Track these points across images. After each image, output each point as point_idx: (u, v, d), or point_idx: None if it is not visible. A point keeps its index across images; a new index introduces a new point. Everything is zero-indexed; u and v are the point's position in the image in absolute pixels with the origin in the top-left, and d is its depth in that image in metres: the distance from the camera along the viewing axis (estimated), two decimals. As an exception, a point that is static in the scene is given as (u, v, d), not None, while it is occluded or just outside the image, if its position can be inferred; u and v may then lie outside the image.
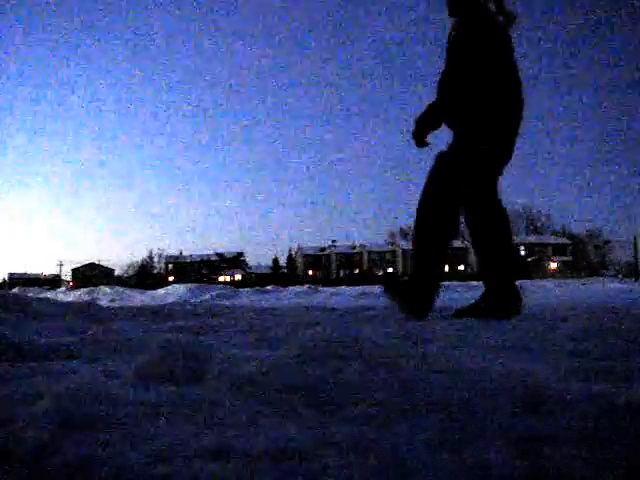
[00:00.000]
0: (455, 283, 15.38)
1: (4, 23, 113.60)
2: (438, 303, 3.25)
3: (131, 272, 77.20)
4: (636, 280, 19.37)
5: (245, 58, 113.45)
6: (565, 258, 66.91)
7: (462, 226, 3.23)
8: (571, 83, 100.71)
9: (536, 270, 60.33)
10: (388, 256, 73.76)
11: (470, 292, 9.63)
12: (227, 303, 8.42)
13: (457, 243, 71.29)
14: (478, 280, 3.87)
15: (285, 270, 75.90)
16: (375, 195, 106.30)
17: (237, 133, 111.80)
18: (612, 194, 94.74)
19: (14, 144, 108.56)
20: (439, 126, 3.15)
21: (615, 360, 1.38)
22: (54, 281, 68.20)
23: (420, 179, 3.31)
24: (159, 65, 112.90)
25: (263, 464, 0.66)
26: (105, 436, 0.76)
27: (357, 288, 15.86)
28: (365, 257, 76.72)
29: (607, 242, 70.38)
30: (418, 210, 3.06)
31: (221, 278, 69.19)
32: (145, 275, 71.74)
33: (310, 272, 75.33)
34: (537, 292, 9.23)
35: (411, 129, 3.17)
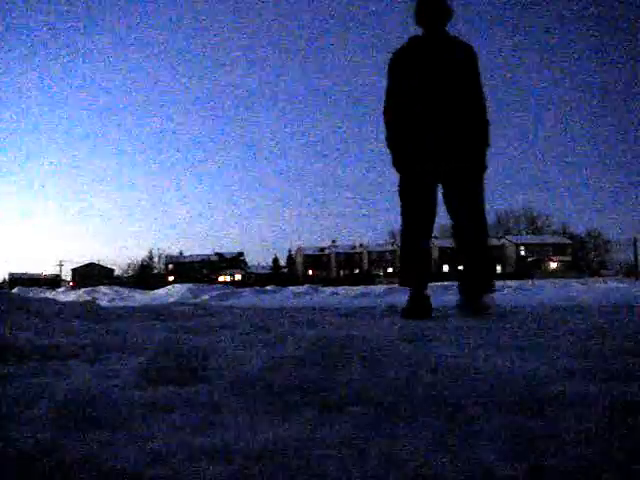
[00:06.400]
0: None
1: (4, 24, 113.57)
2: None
3: (131, 272, 77.17)
4: (637, 279, 19.31)
5: (253, 61, 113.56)
6: (565, 258, 66.84)
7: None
8: (572, 82, 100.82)
9: (536, 270, 60.26)
10: (388, 256, 73.68)
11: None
12: (227, 303, 8.42)
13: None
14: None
15: (285, 270, 75.87)
16: (375, 195, 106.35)
17: (238, 133, 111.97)
18: (612, 194, 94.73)
19: (14, 143, 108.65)
20: None
21: (615, 360, 1.38)
22: (54, 281, 68.09)
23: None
24: (164, 66, 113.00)
25: (263, 464, 0.66)
26: (105, 436, 0.76)
27: (357, 288, 15.86)
28: (365, 257, 76.70)
29: (607, 242, 70.39)
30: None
31: (221, 278, 69.18)
32: (145, 275, 71.69)
33: (310, 272, 75.31)
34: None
35: None
